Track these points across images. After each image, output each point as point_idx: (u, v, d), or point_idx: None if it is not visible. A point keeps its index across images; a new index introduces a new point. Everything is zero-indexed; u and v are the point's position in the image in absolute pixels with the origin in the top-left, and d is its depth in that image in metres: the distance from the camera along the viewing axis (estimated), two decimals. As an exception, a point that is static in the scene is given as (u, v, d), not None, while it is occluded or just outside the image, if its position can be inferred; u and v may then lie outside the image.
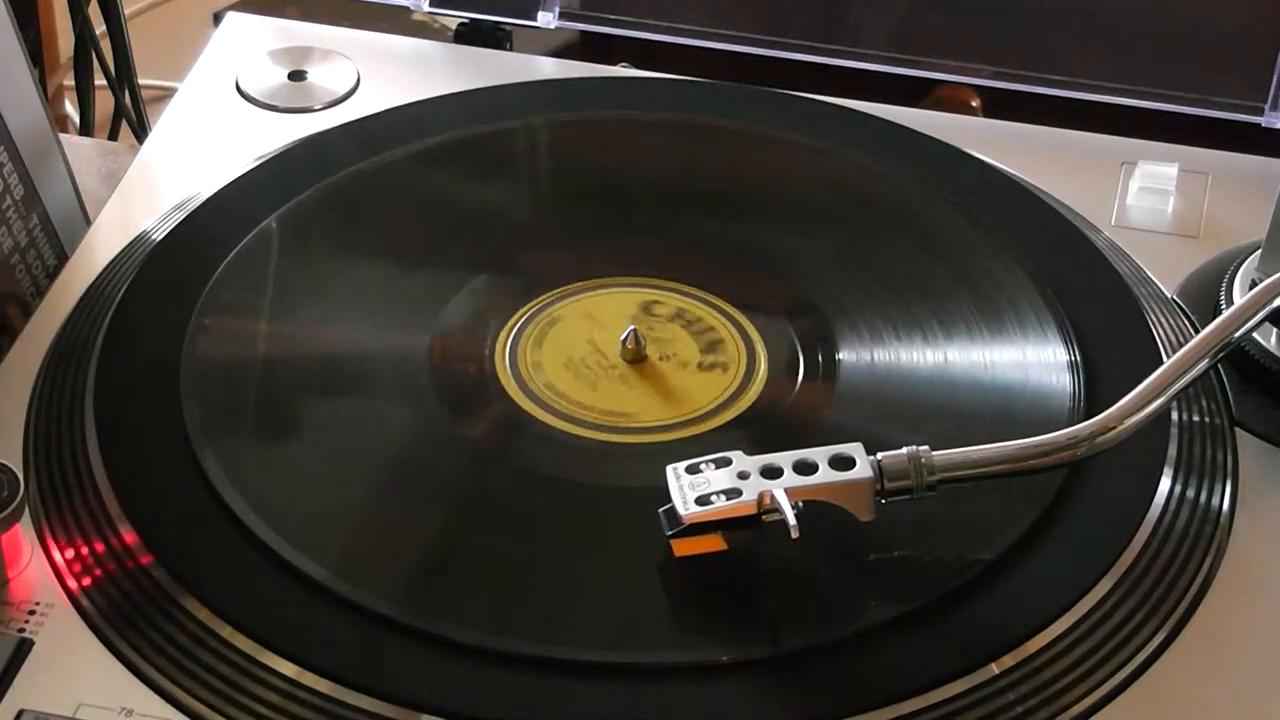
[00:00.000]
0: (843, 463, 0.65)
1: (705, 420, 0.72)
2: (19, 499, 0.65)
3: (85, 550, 0.66)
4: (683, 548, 0.64)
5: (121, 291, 0.76)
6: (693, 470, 0.65)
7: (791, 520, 0.62)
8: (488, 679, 0.62)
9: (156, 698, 0.62)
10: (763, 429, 0.71)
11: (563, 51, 1.03)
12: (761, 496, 0.64)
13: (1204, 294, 0.78)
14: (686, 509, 0.64)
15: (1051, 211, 0.81)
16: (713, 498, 0.64)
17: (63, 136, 0.84)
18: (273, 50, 0.91)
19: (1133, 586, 0.66)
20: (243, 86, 0.89)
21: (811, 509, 0.64)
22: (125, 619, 0.64)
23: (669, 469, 0.65)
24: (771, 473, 0.65)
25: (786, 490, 0.63)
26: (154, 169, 0.85)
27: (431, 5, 0.95)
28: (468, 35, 0.95)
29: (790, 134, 0.85)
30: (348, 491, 0.69)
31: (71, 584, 0.66)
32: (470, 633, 0.63)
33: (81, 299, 0.77)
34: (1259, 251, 0.76)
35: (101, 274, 0.79)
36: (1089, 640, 0.64)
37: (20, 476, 0.65)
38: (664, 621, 0.65)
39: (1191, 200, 0.83)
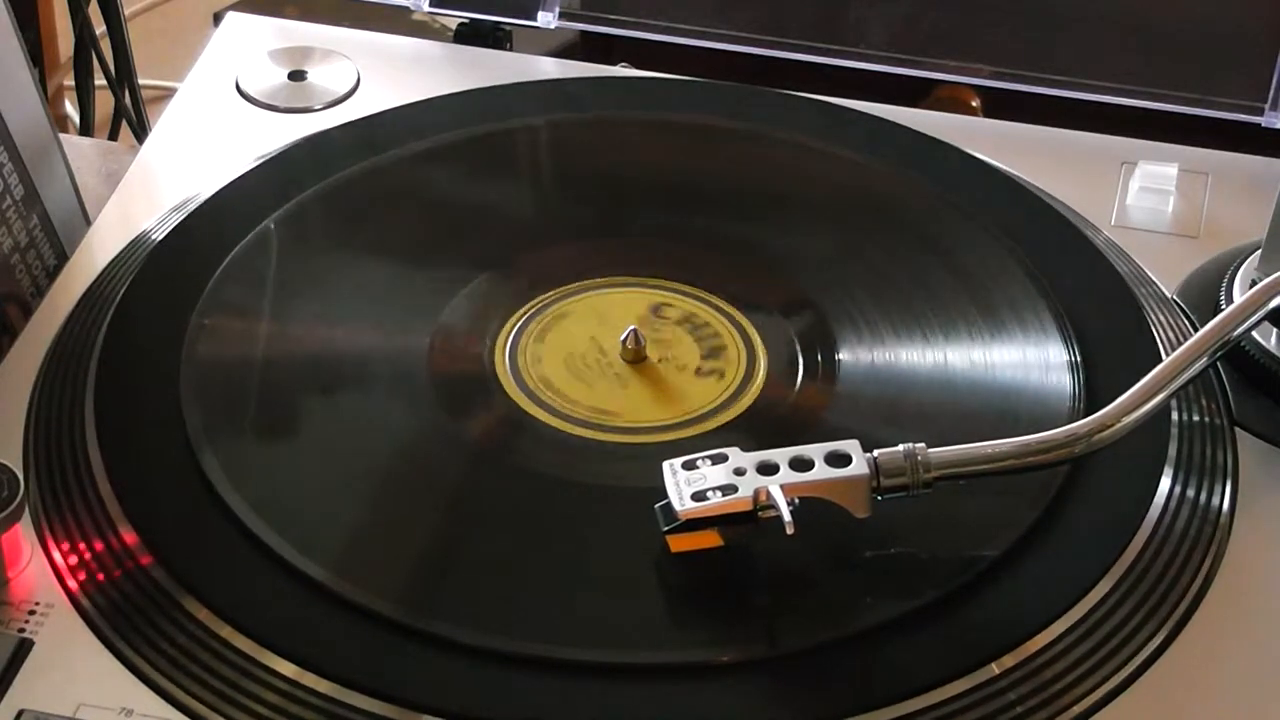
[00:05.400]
0: (839, 459, 0.65)
1: (705, 420, 0.72)
2: (19, 499, 0.65)
3: (85, 550, 0.66)
4: (679, 544, 0.65)
5: (121, 291, 0.76)
6: (689, 466, 0.65)
7: (787, 517, 0.62)
8: (488, 679, 0.62)
9: (156, 698, 0.62)
10: (762, 429, 0.71)
11: (563, 51, 1.03)
12: (757, 493, 0.64)
13: (1204, 294, 0.78)
14: (683, 505, 0.64)
15: (1051, 211, 0.81)
16: (709, 494, 0.64)
17: (63, 136, 0.83)
18: (273, 50, 0.91)
19: (1133, 587, 0.66)
20: (243, 86, 0.89)
21: (810, 507, 0.64)
22: (125, 619, 0.64)
23: (665, 465, 0.66)
24: (767, 469, 0.65)
25: (782, 487, 0.63)
26: (154, 169, 0.85)
27: (431, 5, 0.95)
28: (468, 35, 0.95)
29: (790, 134, 0.85)
30: (348, 491, 0.69)
31: (71, 584, 0.66)
32: (470, 633, 0.63)
33: (81, 299, 0.77)
34: (1259, 251, 0.76)
35: (101, 274, 0.79)
36: (1089, 640, 0.64)
37: (20, 476, 0.65)
38: (663, 621, 0.65)
39: (1191, 200, 0.83)
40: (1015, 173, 0.84)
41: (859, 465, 0.64)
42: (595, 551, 0.67)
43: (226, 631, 0.63)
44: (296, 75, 0.90)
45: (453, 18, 0.96)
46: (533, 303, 0.77)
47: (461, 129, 0.85)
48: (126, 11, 1.17)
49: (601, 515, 0.68)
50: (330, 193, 0.81)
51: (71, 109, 1.32)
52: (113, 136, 1.18)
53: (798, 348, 0.74)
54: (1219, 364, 0.73)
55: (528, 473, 0.70)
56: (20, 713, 0.61)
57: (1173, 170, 0.84)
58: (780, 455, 0.65)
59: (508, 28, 0.95)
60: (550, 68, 0.92)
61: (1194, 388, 0.72)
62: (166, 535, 0.66)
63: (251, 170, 0.83)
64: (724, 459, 0.65)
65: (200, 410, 0.70)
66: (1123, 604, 0.65)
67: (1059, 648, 0.64)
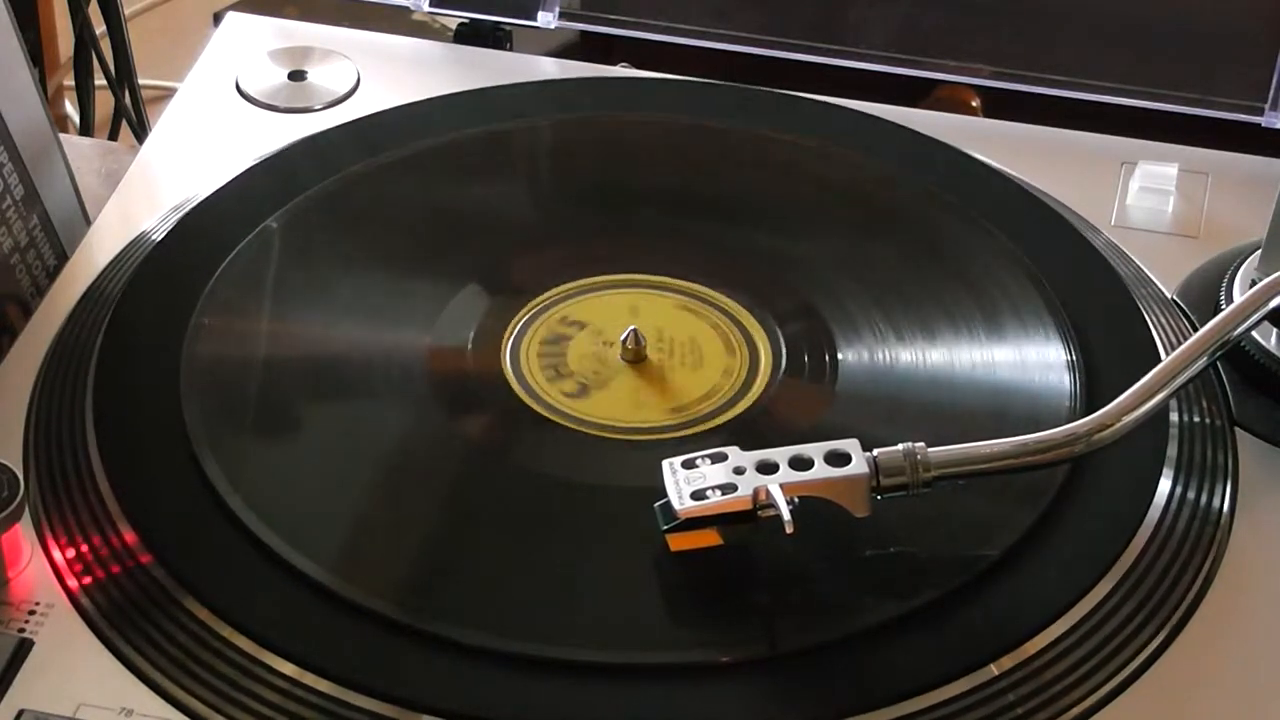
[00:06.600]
0: (838, 459, 0.65)
1: (706, 420, 0.72)
2: (19, 499, 0.65)
3: (85, 550, 0.67)
4: (678, 543, 0.64)
5: (121, 291, 0.76)
6: (688, 465, 0.65)
7: (786, 516, 0.62)
8: (488, 679, 0.62)
9: (156, 698, 0.62)
10: (763, 429, 0.71)
11: (563, 51, 1.03)
12: (757, 492, 0.64)
13: (1204, 294, 0.78)
14: (682, 504, 0.64)
15: (1051, 212, 0.81)
16: (708, 493, 0.64)
17: (63, 136, 0.83)
18: (273, 50, 0.91)
19: (1133, 587, 0.66)
20: (243, 86, 0.89)
21: (810, 507, 0.64)
22: (125, 619, 0.64)
23: (665, 464, 0.65)
24: (767, 468, 0.65)
25: (782, 486, 0.63)
26: (154, 169, 0.85)
27: (431, 5, 0.95)
28: (468, 35, 0.95)
29: (790, 134, 0.85)
30: (348, 491, 0.69)
31: (71, 584, 0.66)
32: (470, 633, 0.63)
33: (81, 299, 0.77)
34: (1259, 251, 0.76)
35: (101, 274, 0.79)
36: (1089, 641, 0.64)
37: (20, 476, 0.65)
38: (664, 621, 0.65)
39: (1191, 200, 0.83)
40: (1015, 173, 0.84)
41: (858, 464, 0.65)
42: (595, 551, 0.67)
43: (226, 631, 0.63)
44: (296, 75, 0.90)
45: (453, 18, 0.96)
46: (533, 303, 0.77)
47: (461, 129, 0.85)
48: (126, 11, 1.17)
49: (601, 515, 0.68)
50: (330, 193, 0.81)
51: (71, 109, 1.32)
52: (113, 136, 1.18)
53: (798, 347, 0.74)
54: (1219, 364, 0.73)
55: (527, 473, 0.70)
56: (20, 713, 0.61)
57: (1173, 170, 0.84)
58: (780, 454, 0.65)
59: (508, 28, 0.95)
60: (550, 68, 0.92)
61: (1194, 388, 0.72)
62: (166, 535, 0.66)
63: (251, 170, 0.83)
64: (723, 458, 0.65)
65: (200, 410, 0.70)
66: (1123, 604, 0.65)
67: (1059, 648, 0.64)
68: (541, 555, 0.66)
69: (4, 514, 0.64)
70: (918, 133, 0.85)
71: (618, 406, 0.72)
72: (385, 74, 0.90)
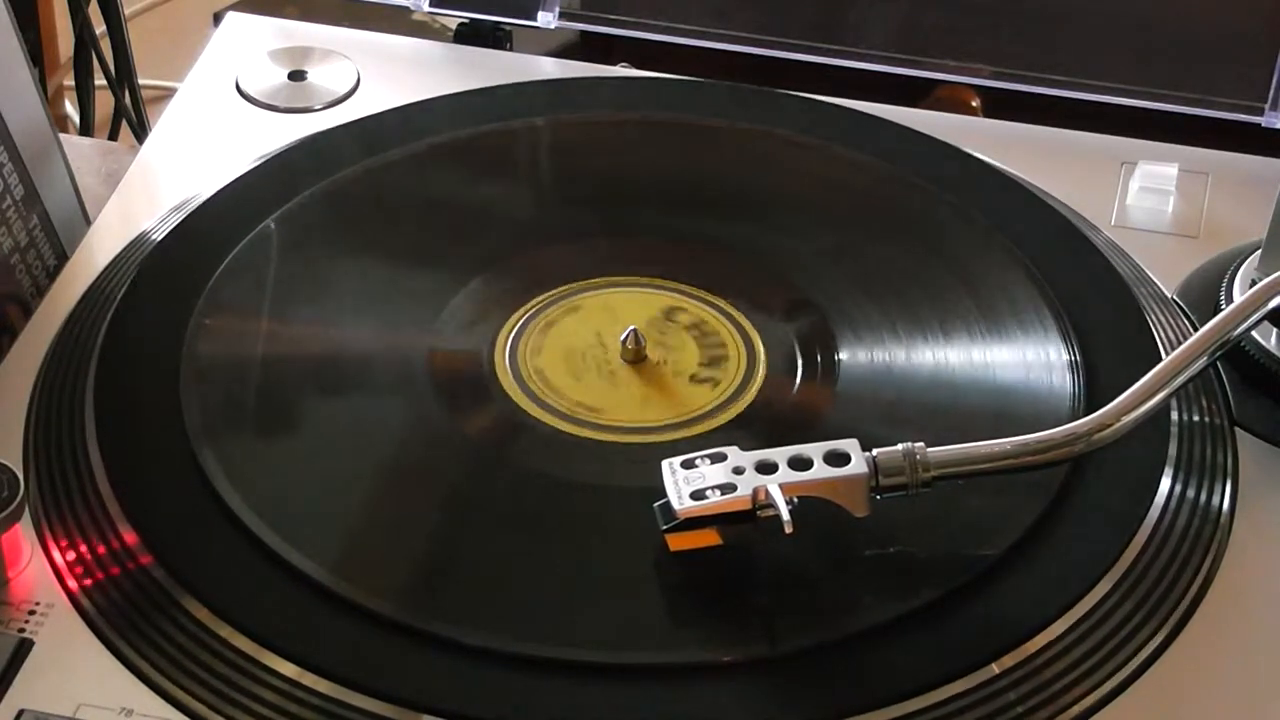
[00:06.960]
0: (838, 459, 0.65)
1: (705, 420, 0.72)
2: (19, 499, 0.65)
3: (85, 550, 0.66)
4: (678, 542, 0.65)
5: (121, 291, 0.76)
6: (688, 465, 0.65)
7: (785, 516, 0.62)
8: (487, 679, 0.62)
9: (156, 698, 0.62)
10: (763, 429, 0.71)
11: (563, 51, 1.03)
12: (756, 492, 0.64)
13: (1204, 294, 0.78)
14: (681, 503, 0.64)
15: (1051, 211, 0.81)
16: (707, 493, 0.64)
17: (63, 136, 0.83)
18: (273, 50, 0.91)
19: (1133, 587, 0.66)
20: (243, 86, 0.89)
21: (810, 507, 0.64)
22: (125, 619, 0.64)
23: (664, 464, 0.66)
24: (766, 468, 0.65)
25: (781, 486, 0.63)
26: (154, 169, 0.85)
27: (431, 5, 0.95)
28: (468, 35, 0.95)
29: (790, 134, 0.85)
30: (348, 491, 0.69)
31: (71, 584, 0.66)
32: (470, 633, 0.63)
33: (81, 299, 0.77)
34: (1259, 251, 0.76)
35: (101, 274, 0.79)
36: (1089, 640, 0.64)
37: (20, 476, 0.65)
38: (664, 621, 0.65)
39: (1191, 200, 0.83)
40: (1015, 173, 0.84)
41: (858, 464, 0.65)
42: (595, 551, 0.67)
43: (226, 631, 0.63)
44: (296, 75, 0.90)
45: (453, 18, 0.96)
46: (532, 303, 0.77)
47: (461, 129, 0.85)
48: (126, 11, 1.17)
49: (601, 515, 0.68)
50: (330, 193, 0.81)
51: (71, 109, 1.32)
52: (113, 136, 1.18)
53: (798, 347, 0.74)
54: (1219, 364, 0.73)
55: (528, 473, 0.70)
56: (20, 713, 0.62)
57: (1173, 170, 0.84)
58: (779, 454, 0.65)
59: (508, 28, 0.95)
60: (550, 68, 0.92)
61: (1194, 387, 0.72)
62: (166, 535, 0.66)
63: (251, 170, 0.83)
64: (723, 458, 0.65)
65: (200, 410, 0.70)
66: (1123, 604, 0.65)
67: (1059, 648, 0.64)
68: (541, 555, 0.66)
69: (4, 514, 0.64)
70: (918, 133, 0.85)
71: (617, 406, 0.72)
72: (385, 74, 0.90)
